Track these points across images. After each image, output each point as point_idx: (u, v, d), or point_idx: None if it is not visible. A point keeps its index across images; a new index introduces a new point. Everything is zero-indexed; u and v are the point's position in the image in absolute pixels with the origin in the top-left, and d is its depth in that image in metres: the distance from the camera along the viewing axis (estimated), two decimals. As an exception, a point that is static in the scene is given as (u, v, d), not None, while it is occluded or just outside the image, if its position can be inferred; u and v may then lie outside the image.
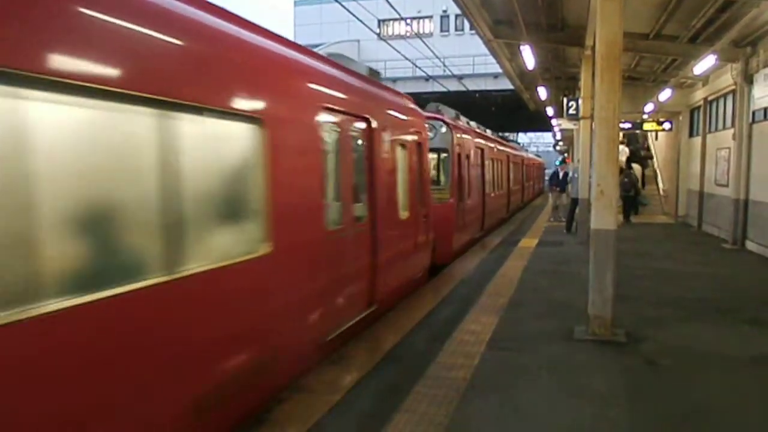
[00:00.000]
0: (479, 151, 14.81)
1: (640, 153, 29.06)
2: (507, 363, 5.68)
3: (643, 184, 24.31)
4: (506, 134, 35.74)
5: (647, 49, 14.70)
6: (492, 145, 17.67)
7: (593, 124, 7.68)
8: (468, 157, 13.13)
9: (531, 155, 40.77)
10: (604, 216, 6.46)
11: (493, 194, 16.98)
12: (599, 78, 6.45)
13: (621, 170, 22.87)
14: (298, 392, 4.85)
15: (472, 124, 16.40)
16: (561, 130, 34.18)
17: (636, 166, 25.09)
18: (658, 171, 26.71)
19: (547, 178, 33.74)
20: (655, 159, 27.93)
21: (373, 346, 6.15)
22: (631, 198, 20.30)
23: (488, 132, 19.85)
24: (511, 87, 27.01)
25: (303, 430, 4.19)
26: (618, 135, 6.67)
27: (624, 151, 24.10)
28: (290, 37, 6.53)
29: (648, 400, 4.84)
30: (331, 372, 5.36)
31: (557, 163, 54.81)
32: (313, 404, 4.62)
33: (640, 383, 5.23)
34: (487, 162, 15.84)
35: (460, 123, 13.74)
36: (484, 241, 14.88)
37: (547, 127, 41.88)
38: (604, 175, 6.46)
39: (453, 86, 30.53)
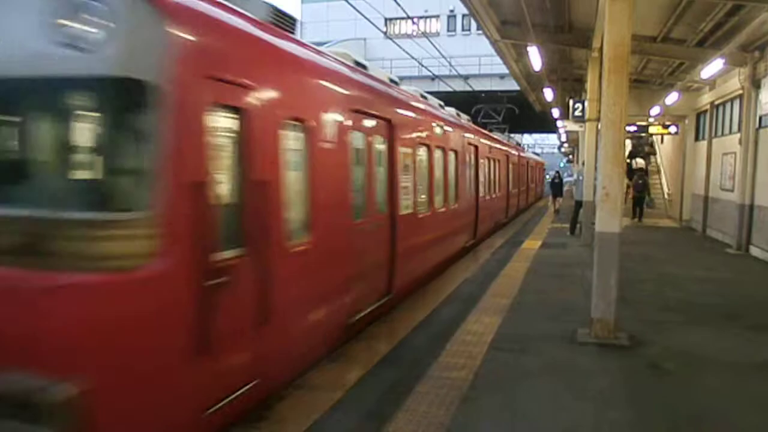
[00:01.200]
0: (382, 128, 7.23)
1: (643, 149, 29.34)
2: (509, 364, 5.67)
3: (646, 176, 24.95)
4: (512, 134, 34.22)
5: (655, 52, 14.66)
6: (435, 125, 9.99)
7: (599, 126, 7.66)
8: (317, 132, 5.35)
9: (531, 155, 36.57)
10: (608, 219, 6.44)
11: (427, 214, 9.18)
12: (606, 80, 6.43)
13: (635, 171, 23.55)
14: (300, 389, 4.85)
15: (415, 91, 10.23)
16: (566, 132, 34.12)
17: (639, 160, 25.53)
18: (660, 166, 26.91)
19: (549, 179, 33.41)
20: (658, 154, 28.05)
21: (374, 345, 6.15)
22: (643, 198, 21.37)
23: (455, 114, 13.33)
24: (517, 88, 26.95)
25: (304, 427, 4.18)
26: (624, 138, 6.65)
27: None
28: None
29: (650, 404, 4.82)
30: (333, 370, 5.36)
31: (561, 165, 54.79)
32: (315, 401, 4.62)
33: (643, 387, 5.22)
34: (420, 153, 8.89)
35: (286, 43, 5.26)
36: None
37: (552, 128, 41.80)
38: (609, 177, 6.44)
39: (459, 86, 30.49)
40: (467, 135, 13.05)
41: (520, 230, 18.22)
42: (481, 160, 14.27)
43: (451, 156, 11.15)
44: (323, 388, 4.91)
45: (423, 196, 9.07)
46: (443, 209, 10.37)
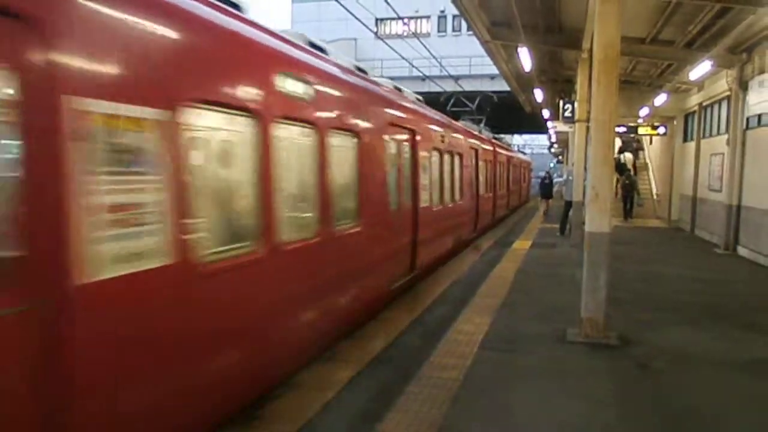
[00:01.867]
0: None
1: (632, 144, 29.93)
2: (500, 364, 5.69)
3: (635, 172, 25.51)
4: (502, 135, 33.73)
5: (644, 54, 14.76)
6: (296, 80, 5.23)
7: (589, 127, 7.70)
8: None
9: (515, 152, 30.46)
10: (598, 219, 6.48)
11: (256, 257, 4.45)
12: (596, 81, 6.48)
13: (623, 171, 24.22)
14: (291, 389, 4.85)
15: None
16: (556, 133, 34.31)
17: (628, 156, 25.99)
18: (648, 162, 27.32)
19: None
20: (646, 150, 28.42)
21: (366, 345, 6.16)
22: (632, 198, 22.05)
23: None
24: (507, 89, 27.06)
25: (296, 427, 4.19)
26: (614, 138, 6.70)
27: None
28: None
29: (639, 403, 4.86)
30: (324, 369, 5.37)
31: (552, 165, 55.02)
32: (306, 401, 4.62)
33: (632, 386, 5.26)
34: (232, 132, 4.47)
35: None
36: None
37: (542, 129, 41.99)
38: (599, 177, 6.48)
39: (449, 87, 30.56)
40: (394, 113, 8.27)
41: (511, 231, 18.28)
42: (423, 154, 9.58)
43: (349, 142, 6.46)
44: (316, 388, 4.91)
45: (244, 220, 4.56)
46: (314, 239, 5.47)
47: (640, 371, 5.63)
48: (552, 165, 56.62)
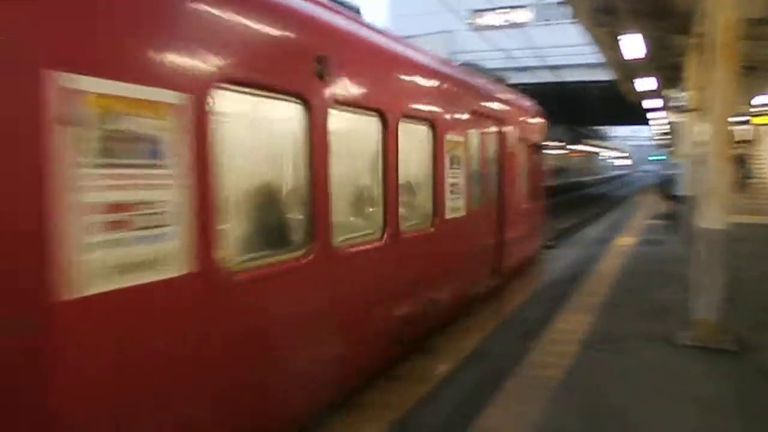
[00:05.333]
0: None
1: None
2: (602, 364, 5.49)
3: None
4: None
5: (762, 36, 13.71)
6: None
7: (702, 117, 7.22)
8: None
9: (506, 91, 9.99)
10: (713, 214, 6.08)
11: None
12: (712, 69, 6.07)
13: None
14: (390, 380, 4.93)
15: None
16: (662, 124, 32.57)
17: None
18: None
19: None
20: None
21: (460, 340, 6.15)
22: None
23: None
24: (607, 78, 26.01)
25: (395, 417, 4.26)
26: (731, 130, 6.26)
27: None
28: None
29: (762, 413, 4.51)
30: (422, 363, 5.41)
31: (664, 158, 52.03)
32: (405, 393, 4.69)
33: (753, 394, 4.90)
34: None
35: None
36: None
37: (642, 120, 39.98)
38: (715, 171, 6.08)
39: (547, 77, 29.79)
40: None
41: (612, 226, 17.56)
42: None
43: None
44: (413, 380, 4.99)
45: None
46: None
47: (761, 378, 5.24)
48: (664, 158, 53.67)
